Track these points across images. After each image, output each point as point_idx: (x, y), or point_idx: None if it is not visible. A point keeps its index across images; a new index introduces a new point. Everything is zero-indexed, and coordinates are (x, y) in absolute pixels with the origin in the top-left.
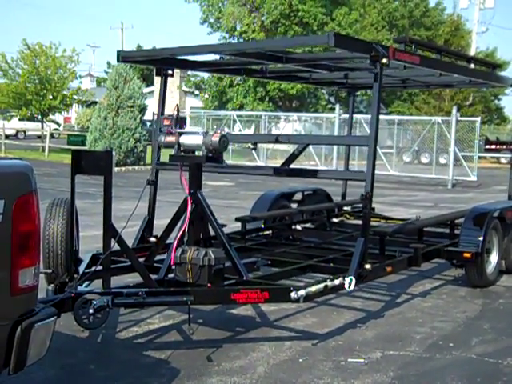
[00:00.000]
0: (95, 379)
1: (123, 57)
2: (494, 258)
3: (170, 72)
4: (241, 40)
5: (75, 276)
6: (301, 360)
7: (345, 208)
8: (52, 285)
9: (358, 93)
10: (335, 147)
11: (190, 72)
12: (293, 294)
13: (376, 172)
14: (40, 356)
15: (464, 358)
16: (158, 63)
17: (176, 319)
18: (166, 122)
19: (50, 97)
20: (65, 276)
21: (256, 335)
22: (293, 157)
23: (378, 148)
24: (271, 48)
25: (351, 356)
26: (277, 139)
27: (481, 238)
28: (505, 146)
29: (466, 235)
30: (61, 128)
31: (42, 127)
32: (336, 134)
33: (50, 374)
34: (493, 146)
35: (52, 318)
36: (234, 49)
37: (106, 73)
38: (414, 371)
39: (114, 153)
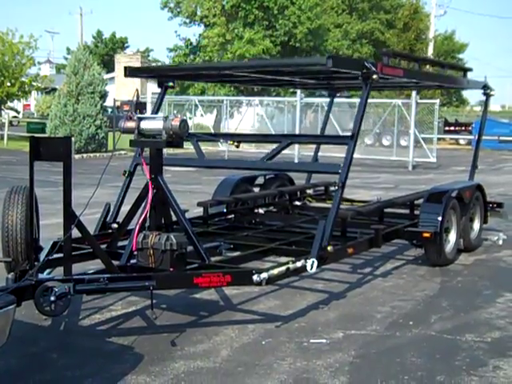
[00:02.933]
0: (58, 367)
1: (130, 71)
2: (452, 237)
3: (170, 84)
4: (201, 25)
5: (36, 264)
6: (264, 342)
7: (307, 191)
8: (12, 273)
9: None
10: (297, 132)
11: (150, 57)
12: (255, 277)
13: (338, 155)
14: (0, 344)
15: (423, 336)
16: (162, 76)
17: (139, 305)
18: (126, 108)
19: (8, 84)
20: (25, 264)
21: (219, 319)
22: (274, 153)
23: (340, 131)
24: (271, 67)
25: (313, 337)
26: (265, 138)
27: (439, 218)
28: (463, 128)
29: (425, 215)
30: (20, 115)
31: (0, 115)
32: (298, 117)
33: (11, 362)
34: (452, 128)
35: (11, 306)
36: (234, 67)
37: (66, 59)
38: (375, 349)
39: (73, 139)
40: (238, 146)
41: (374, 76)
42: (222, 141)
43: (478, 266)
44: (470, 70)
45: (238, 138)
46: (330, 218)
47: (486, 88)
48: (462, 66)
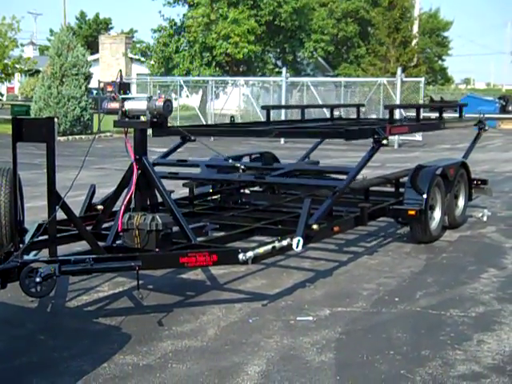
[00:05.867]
0: (45, 349)
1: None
2: (437, 214)
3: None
4: (185, 5)
5: (20, 246)
6: (251, 321)
7: None
8: None
9: (305, 54)
10: (283, 113)
11: (135, 38)
12: (241, 256)
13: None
14: None
15: (409, 311)
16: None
17: (126, 286)
18: (109, 88)
19: None
20: (10, 246)
21: (206, 298)
22: (278, 173)
23: (326, 112)
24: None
25: (300, 315)
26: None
27: (424, 196)
28: None
29: (410, 193)
30: (4, 98)
31: None
32: (283, 96)
33: None
34: None
35: None
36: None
37: (49, 41)
38: (361, 326)
39: (57, 120)
40: (244, 171)
41: (384, 141)
42: (224, 156)
43: (462, 243)
44: (465, 105)
45: (244, 164)
46: (321, 209)
47: (480, 123)
48: (456, 103)
